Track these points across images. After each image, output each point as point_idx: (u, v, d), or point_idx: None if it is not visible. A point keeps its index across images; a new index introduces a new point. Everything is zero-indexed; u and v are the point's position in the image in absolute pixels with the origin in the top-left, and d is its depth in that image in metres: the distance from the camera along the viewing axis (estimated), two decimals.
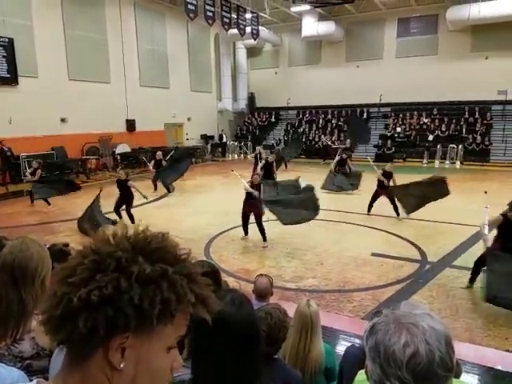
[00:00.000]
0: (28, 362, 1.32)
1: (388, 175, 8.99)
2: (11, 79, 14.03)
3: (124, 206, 8.65)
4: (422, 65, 20.85)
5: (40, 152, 14.47)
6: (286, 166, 16.47)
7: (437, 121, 20.17)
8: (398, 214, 8.77)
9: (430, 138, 19.60)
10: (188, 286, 0.67)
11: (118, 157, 17.04)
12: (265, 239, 7.21)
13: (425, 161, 18.72)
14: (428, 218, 8.46)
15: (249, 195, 7.31)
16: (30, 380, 0.75)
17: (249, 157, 17.98)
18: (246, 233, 7.57)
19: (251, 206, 7.30)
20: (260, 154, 12.48)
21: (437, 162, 18.44)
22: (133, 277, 0.63)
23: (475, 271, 5.22)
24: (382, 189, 8.97)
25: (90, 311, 0.61)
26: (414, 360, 0.74)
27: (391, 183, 8.90)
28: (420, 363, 0.74)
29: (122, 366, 0.64)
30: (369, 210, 9.14)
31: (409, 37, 21.56)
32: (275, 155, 13.17)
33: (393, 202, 8.76)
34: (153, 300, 0.63)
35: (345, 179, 11.97)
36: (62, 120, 15.80)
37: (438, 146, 18.55)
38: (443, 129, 19.64)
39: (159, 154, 12.93)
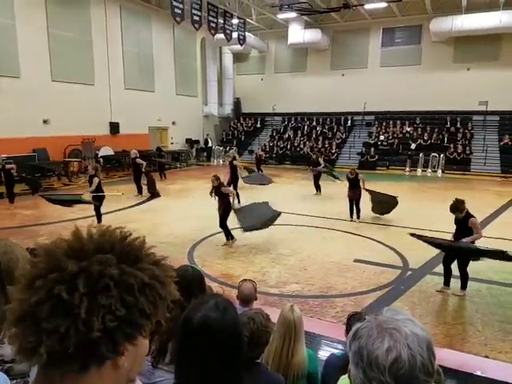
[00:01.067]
0: (9, 365, 1.30)
1: (352, 181, 9.27)
2: None
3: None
4: (405, 74, 21.31)
5: (21, 154, 14.17)
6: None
7: (419, 130, 20.59)
8: (358, 217, 9.27)
9: (413, 146, 19.98)
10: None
11: (101, 160, 16.80)
12: (228, 238, 7.48)
13: (407, 169, 19.05)
14: (410, 226, 8.58)
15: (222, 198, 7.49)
16: None
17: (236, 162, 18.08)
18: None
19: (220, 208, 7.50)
20: (235, 157, 12.62)
21: (419, 170, 18.79)
22: (135, 288, 0.65)
23: (447, 271, 5.43)
24: (352, 190, 9.27)
25: (110, 328, 0.62)
26: (397, 365, 0.74)
27: (361, 185, 9.31)
28: (402, 368, 0.74)
29: (125, 364, 0.66)
30: (351, 214, 9.39)
31: (393, 46, 22.03)
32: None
33: (357, 205, 9.26)
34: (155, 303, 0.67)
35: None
36: (45, 121, 15.52)
37: (421, 155, 18.92)
38: (425, 138, 20.04)
39: (134, 151, 12.73)
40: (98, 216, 8.50)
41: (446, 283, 5.44)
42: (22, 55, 14.60)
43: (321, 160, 13.18)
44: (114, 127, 18.39)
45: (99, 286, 0.62)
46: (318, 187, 12.76)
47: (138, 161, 12.25)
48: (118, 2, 18.23)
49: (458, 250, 5.23)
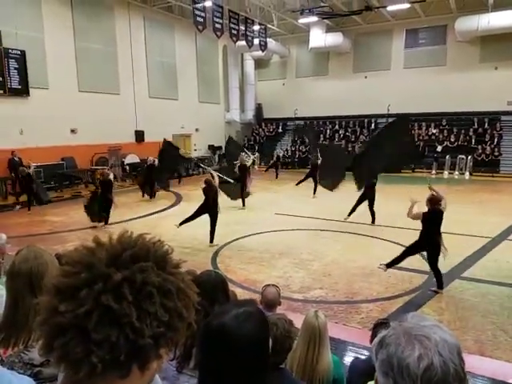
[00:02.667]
0: (38, 369, 1.33)
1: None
2: (23, 91, 14.29)
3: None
4: (430, 75, 20.85)
5: (50, 162, 14.68)
6: (276, 176, 17.61)
7: (445, 131, 20.08)
8: (373, 221, 9.22)
9: (439, 148, 19.49)
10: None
11: (127, 167, 17.19)
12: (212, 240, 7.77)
13: (433, 171, 18.59)
14: None
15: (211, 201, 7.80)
16: None
17: (256, 167, 18.67)
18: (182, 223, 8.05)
19: (208, 208, 7.78)
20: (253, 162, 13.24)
21: (446, 172, 18.30)
22: (174, 293, 0.67)
23: (400, 258, 5.74)
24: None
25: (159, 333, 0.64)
26: (429, 373, 0.73)
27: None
28: (435, 376, 0.72)
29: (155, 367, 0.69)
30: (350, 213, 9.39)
31: (417, 47, 21.62)
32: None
33: (370, 208, 9.24)
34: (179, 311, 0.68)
35: None
36: (72, 131, 16.03)
37: (447, 157, 18.44)
38: (452, 139, 19.53)
39: (150, 158, 13.63)
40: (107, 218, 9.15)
41: (389, 266, 5.80)
42: (50, 67, 15.15)
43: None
44: (140, 135, 18.81)
45: (143, 294, 0.64)
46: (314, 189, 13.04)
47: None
48: (141, 13, 18.70)
49: None
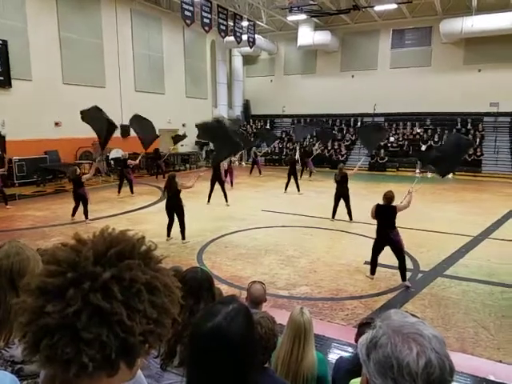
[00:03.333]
0: (19, 366, 1.32)
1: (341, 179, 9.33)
2: (4, 82, 13.93)
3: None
4: (415, 76, 21.14)
5: (33, 156, 14.36)
6: (259, 172, 17.71)
7: (430, 131, 20.41)
8: (350, 218, 9.26)
9: (423, 147, 19.79)
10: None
11: (112, 162, 16.94)
12: (184, 237, 7.72)
13: (417, 170, 18.85)
14: (420, 227, 8.51)
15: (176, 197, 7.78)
16: None
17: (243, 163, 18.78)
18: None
19: (176, 208, 7.76)
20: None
21: (429, 172, 18.56)
22: (161, 290, 0.67)
23: (374, 261, 5.92)
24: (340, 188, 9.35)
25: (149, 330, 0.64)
26: (428, 370, 0.74)
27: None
28: (433, 373, 0.74)
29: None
30: (333, 215, 9.44)
31: (403, 48, 21.88)
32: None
33: (347, 205, 9.30)
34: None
35: None
36: (56, 124, 15.72)
37: None
38: (436, 139, 19.84)
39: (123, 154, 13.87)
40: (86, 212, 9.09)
41: (372, 272, 5.96)
42: (34, 58, 14.80)
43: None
44: (125, 130, 18.52)
45: (132, 292, 0.63)
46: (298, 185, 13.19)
47: (129, 162, 13.05)
48: (128, 5, 18.40)
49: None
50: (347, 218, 9.32)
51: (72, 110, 15.82)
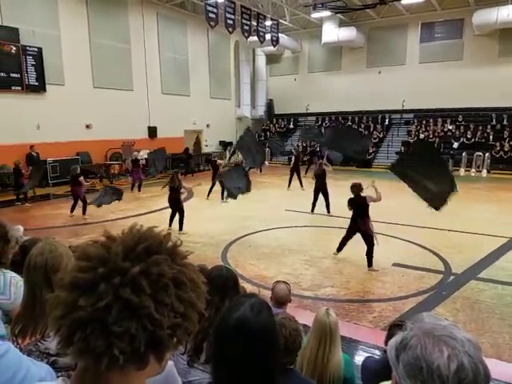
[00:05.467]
0: (53, 358, 1.36)
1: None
2: (39, 87, 14.54)
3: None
4: (446, 70, 20.46)
5: (66, 157, 14.91)
6: (260, 170, 17.52)
7: (462, 127, 19.70)
8: (328, 212, 9.78)
9: (455, 145, 19.14)
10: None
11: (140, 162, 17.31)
12: (181, 228, 8.26)
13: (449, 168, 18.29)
14: (452, 228, 8.24)
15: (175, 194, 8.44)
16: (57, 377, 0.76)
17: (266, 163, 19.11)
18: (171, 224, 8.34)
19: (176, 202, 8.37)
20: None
21: (462, 170, 17.97)
22: (187, 284, 0.69)
23: (343, 244, 6.54)
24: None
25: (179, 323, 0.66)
26: (459, 374, 0.71)
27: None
28: (466, 377, 0.71)
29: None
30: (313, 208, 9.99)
31: (433, 42, 21.22)
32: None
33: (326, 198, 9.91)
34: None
35: None
36: (87, 126, 16.24)
37: (464, 154, 18.09)
38: (469, 136, 19.16)
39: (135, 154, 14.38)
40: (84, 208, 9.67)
41: (339, 249, 6.61)
42: (66, 64, 15.35)
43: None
44: (152, 131, 18.96)
45: (159, 286, 0.65)
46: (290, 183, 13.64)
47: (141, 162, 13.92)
48: (155, 9, 18.77)
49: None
50: (375, 218, 9.12)
51: (102, 113, 16.38)
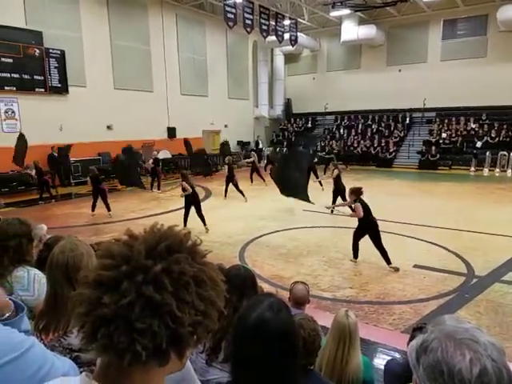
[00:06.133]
0: (76, 354, 1.39)
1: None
2: (62, 89, 14.91)
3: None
4: (469, 68, 19.97)
5: (87, 157, 15.25)
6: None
7: (486, 126, 19.20)
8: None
9: (479, 144, 18.65)
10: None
11: (160, 162, 17.52)
12: (205, 223, 8.33)
13: (472, 168, 17.82)
14: (475, 229, 8.03)
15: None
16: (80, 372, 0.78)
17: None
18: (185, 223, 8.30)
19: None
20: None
21: (485, 170, 17.48)
22: (207, 283, 0.70)
23: (355, 246, 6.44)
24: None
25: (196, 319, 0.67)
26: (482, 378, 0.69)
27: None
28: (489, 382, 0.69)
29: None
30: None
31: (455, 39, 20.74)
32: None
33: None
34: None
35: None
36: (108, 127, 16.55)
37: (487, 153, 17.61)
38: (493, 135, 18.64)
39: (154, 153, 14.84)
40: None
41: (355, 256, 6.50)
42: (88, 66, 15.67)
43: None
44: (171, 131, 19.18)
45: (180, 284, 0.66)
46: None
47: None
48: (174, 10, 18.97)
49: None
50: (393, 218, 9.00)
51: (123, 114, 16.65)
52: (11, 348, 0.85)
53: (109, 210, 9.87)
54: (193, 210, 8.48)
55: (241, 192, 11.76)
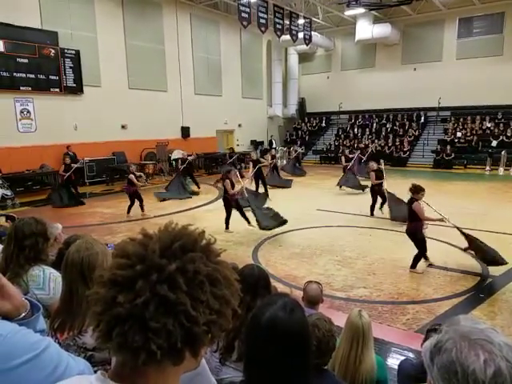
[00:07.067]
0: (90, 353, 1.41)
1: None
2: (77, 88, 15.07)
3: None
4: (485, 66, 19.63)
5: (102, 157, 15.43)
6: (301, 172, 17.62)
7: (501, 125, 18.86)
8: (381, 207, 9.52)
9: (494, 143, 18.34)
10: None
11: (174, 162, 17.66)
12: (248, 221, 8.22)
13: (487, 168, 17.51)
14: (490, 229, 7.90)
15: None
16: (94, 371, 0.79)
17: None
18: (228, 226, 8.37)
19: (233, 200, 8.30)
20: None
21: (501, 169, 17.16)
22: (221, 282, 0.70)
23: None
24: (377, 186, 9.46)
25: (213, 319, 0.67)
26: (496, 379, 0.69)
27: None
28: (503, 383, 0.69)
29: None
30: (371, 212, 9.59)
31: (471, 37, 20.42)
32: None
33: (382, 197, 9.34)
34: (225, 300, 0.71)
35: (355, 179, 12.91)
36: (123, 127, 16.71)
37: (503, 153, 17.27)
38: (508, 134, 18.31)
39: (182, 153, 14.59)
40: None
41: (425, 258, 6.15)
42: (103, 65, 15.83)
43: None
44: (185, 131, 19.29)
45: (195, 283, 0.66)
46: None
47: (189, 158, 14.08)
48: (188, 10, 19.06)
49: None
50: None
51: (137, 114, 16.81)
52: (27, 349, 0.86)
53: (142, 209, 10.00)
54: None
55: (266, 191, 11.80)
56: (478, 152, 18.57)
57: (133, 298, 0.63)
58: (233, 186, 8.35)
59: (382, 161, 10.37)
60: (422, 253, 5.98)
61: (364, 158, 14.69)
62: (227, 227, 8.38)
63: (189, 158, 14.02)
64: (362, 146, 18.78)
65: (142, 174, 10.70)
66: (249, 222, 8.27)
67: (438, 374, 0.75)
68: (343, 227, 8.76)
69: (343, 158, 14.10)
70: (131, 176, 9.81)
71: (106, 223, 9.46)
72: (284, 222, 7.92)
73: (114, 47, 16.16)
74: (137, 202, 9.96)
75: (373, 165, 9.92)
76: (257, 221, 7.83)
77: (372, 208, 9.65)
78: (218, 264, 0.71)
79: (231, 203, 8.36)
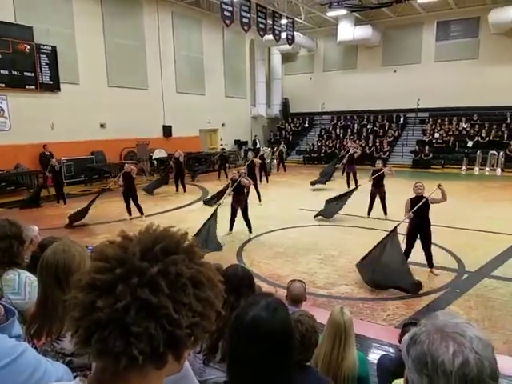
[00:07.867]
0: (69, 358, 1.37)
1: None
2: (54, 86, 14.60)
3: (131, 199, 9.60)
4: (461, 69, 20.16)
5: (80, 156, 15.06)
6: (284, 169, 18.01)
7: (477, 126, 19.43)
8: (385, 214, 9.27)
9: (470, 144, 18.88)
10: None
11: (155, 162, 17.46)
12: (250, 230, 8.02)
13: (463, 167, 18.02)
14: (465, 227, 8.14)
15: (237, 193, 8.07)
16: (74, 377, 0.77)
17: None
18: (232, 228, 8.12)
19: (239, 202, 8.01)
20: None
21: (476, 168, 17.71)
22: (205, 284, 0.69)
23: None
24: (377, 187, 9.36)
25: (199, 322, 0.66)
26: (463, 369, 0.72)
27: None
28: (470, 373, 0.72)
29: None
30: (369, 213, 9.38)
31: (448, 40, 20.93)
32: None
33: (383, 202, 9.30)
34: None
35: None
36: (102, 125, 16.36)
37: (478, 153, 17.81)
38: (483, 135, 18.86)
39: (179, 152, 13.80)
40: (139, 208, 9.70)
41: (430, 266, 6.03)
42: (81, 63, 15.43)
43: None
44: (167, 130, 19.07)
45: (177, 286, 0.65)
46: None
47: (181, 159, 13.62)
48: (169, 8, 18.84)
49: None
50: (388, 216, 9.08)
51: (117, 112, 16.50)
52: (4, 354, 0.83)
53: (141, 213, 9.59)
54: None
55: (258, 193, 11.21)
56: (455, 152, 19.07)
57: (113, 302, 0.62)
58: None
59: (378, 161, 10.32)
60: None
61: (344, 160, 14.53)
62: (231, 229, 8.17)
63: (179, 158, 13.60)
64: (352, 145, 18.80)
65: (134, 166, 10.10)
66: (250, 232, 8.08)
67: (412, 365, 0.78)
68: (326, 226, 8.86)
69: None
70: (126, 166, 9.56)
71: (84, 224, 9.26)
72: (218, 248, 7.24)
73: (93, 44, 15.80)
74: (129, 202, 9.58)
75: (378, 163, 9.93)
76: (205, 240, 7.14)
77: (369, 209, 9.46)
78: (201, 266, 0.70)
79: (242, 203, 8.11)
